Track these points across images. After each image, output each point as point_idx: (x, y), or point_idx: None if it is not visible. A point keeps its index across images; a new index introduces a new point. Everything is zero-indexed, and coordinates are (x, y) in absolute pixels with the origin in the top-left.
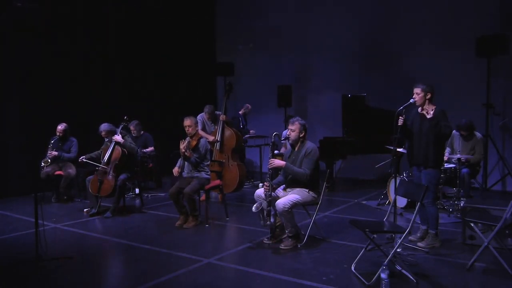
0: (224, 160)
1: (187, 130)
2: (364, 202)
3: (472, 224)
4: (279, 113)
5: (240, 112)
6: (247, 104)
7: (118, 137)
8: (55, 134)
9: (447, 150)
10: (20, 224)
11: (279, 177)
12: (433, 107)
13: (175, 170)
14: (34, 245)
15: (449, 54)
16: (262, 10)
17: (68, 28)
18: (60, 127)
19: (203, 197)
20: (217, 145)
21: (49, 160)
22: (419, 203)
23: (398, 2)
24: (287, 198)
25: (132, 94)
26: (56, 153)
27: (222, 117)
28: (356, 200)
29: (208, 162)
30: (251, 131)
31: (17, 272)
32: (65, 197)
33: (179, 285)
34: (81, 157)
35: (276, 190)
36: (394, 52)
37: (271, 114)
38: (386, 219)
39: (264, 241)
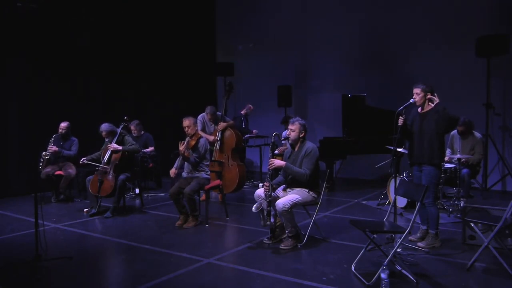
0: (223, 160)
1: (186, 131)
2: (364, 202)
3: (472, 224)
4: (279, 113)
5: (242, 112)
6: (249, 105)
7: (113, 146)
8: (56, 134)
9: (448, 151)
10: (20, 224)
11: (279, 177)
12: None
13: (172, 172)
14: (34, 245)
15: (449, 54)
16: (262, 10)
17: (68, 27)
18: (64, 124)
19: (203, 197)
20: (217, 145)
21: (49, 154)
22: (419, 203)
23: (398, 2)
24: (287, 198)
25: (132, 94)
26: (56, 148)
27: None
28: (356, 200)
29: (208, 162)
30: (254, 131)
31: (17, 272)
32: (65, 197)
33: (179, 285)
34: (82, 159)
35: (276, 190)
36: (394, 52)
37: (271, 114)
38: (386, 219)
39: (264, 241)
